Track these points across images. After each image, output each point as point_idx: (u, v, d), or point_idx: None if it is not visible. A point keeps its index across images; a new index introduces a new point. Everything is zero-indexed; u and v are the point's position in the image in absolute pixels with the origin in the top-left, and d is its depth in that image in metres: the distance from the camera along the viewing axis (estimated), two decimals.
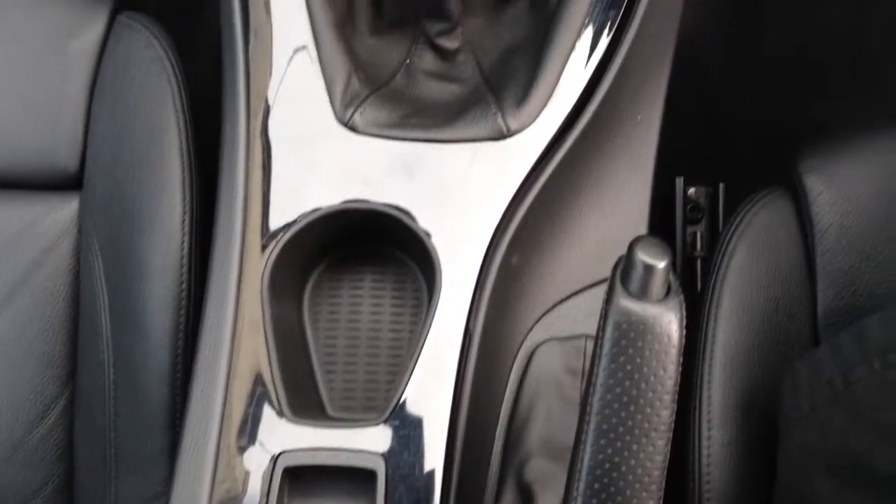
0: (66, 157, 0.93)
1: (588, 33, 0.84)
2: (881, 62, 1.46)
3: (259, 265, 0.79)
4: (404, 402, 0.75)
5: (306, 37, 0.83)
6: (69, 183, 0.93)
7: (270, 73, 0.84)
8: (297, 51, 0.84)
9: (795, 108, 1.42)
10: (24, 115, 0.94)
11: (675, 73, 0.96)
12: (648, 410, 0.55)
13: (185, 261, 0.87)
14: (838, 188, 0.86)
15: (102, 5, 0.96)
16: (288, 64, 0.84)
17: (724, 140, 1.39)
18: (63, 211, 0.92)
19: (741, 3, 1.47)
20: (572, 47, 0.83)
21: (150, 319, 0.86)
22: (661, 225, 1.30)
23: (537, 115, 0.82)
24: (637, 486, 0.56)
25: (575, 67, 0.84)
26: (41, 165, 0.93)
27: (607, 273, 0.57)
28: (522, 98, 0.82)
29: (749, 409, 0.82)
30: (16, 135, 0.93)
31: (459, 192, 0.81)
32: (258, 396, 0.75)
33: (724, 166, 1.36)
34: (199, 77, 0.95)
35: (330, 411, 0.80)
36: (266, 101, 0.84)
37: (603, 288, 0.57)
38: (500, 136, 0.81)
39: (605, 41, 0.85)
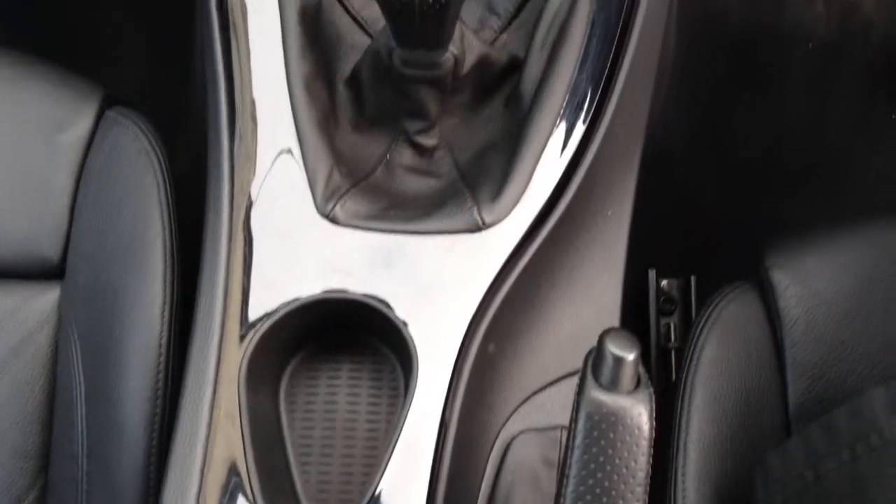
0: (49, 246, 0.94)
1: (559, 133, 0.88)
2: (843, 161, 1.52)
3: (237, 355, 0.80)
4: (379, 494, 0.75)
5: (290, 133, 0.86)
6: (51, 272, 0.94)
7: (254, 169, 0.87)
8: (280, 146, 0.87)
9: (762, 204, 1.47)
10: (9, 205, 0.95)
11: (644, 169, 0.99)
12: (620, 502, 0.56)
13: (163, 351, 0.88)
14: (804, 283, 0.89)
15: (92, 99, 0.99)
16: (271, 159, 0.86)
17: (694, 234, 1.44)
18: (44, 300, 0.93)
19: (706, 103, 1.54)
20: (544, 146, 0.87)
21: (126, 411, 0.86)
22: (634, 316, 1.33)
23: (511, 210, 0.85)
24: None
25: (547, 165, 0.87)
26: (24, 254, 0.94)
27: (581, 363, 0.58)
28: (497, 193, 0.85)
29: (723, 500, 0.83)
30: (0, 224, 0.95)
31: (437, 282, 0.83)
32: (232, 487, 0.75)
33: (695, 259, 1.39)
34: (184, 169, 0.97)
35: (304, 503, 0.79)
36: (249, 196, 0.86)
37: (577, 379, 0.59)
38: (476, 228, 0.84)
39: (575, 140, 0.89)
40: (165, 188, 0.93)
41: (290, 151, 0.86)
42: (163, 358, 0.88)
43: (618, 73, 0.92)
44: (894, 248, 0.93)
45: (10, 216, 0.95)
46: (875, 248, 0.93)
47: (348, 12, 0.94)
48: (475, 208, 0.84)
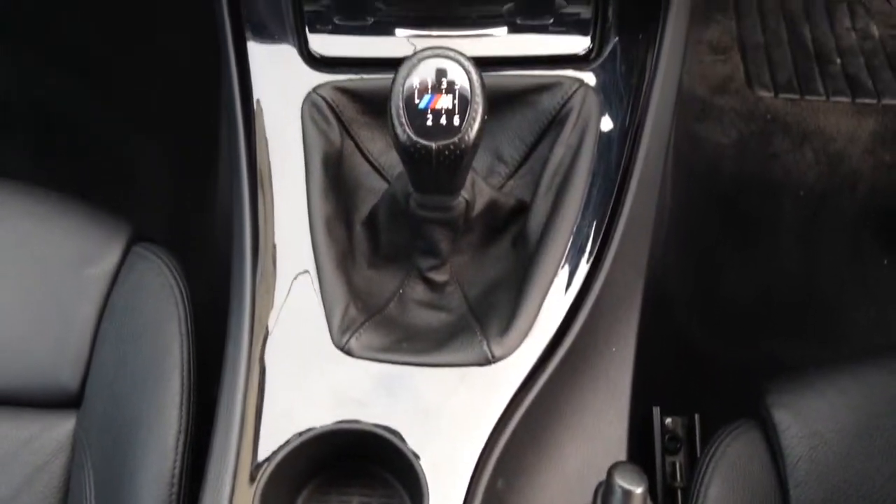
0: (69, 376, 0.97)
1: (564, 272, 0.93)
2: (836, 307, 1.57)
3: (250, 488, 0.81)
4: None
5: (310, 269, 0.91)
6: (69, 401, 0.96)
7: (273, 302, 0.91)
8: (300, 282, 0.91)
9: (760, 345, 1.50)
10: (33, 335, 0.99)
11: (645, 308, 1.04)
12: None
13: (175, 482, 0.89)
14: (805, 422, 0.91)
15: (120, 236, 1.04)
16: (291, 293, 0.91)
17: (696, 372, 1.46)
18: (60, 429, 0.95)
19: (702, 248, 1.60)
20: (550, 284, 0.91)
21: None
22: (640, 452, 1.33)
23: (519, 344, 0.88)
24: None
25: (553, 302, 0.92)
26: (44, 384, 0.97)
27: (589, 498, 0.60)
28: (506, 328, 0.88)
29: None
30: (23, 354, 0.98)
31: (447, 415, 0.85)
32: None
33: (698, 397, 1.41)
34: (204, 300, 1.01)
35: None
36: (267, 327, 0.90)
37: None
38: (486, 361, 0.87)
39: (579, 280, 0.93)
40: (186, 321, 0.97)
41: (309, 286, 0.91)
42: (175, 489, 0.88)
43: (618, 219, 0.98)
44: (892, 390, 0.95)
45: (33, 346, 0.98)
46: (873, 390, 0.96)
47: (367, 159, 1.01)
48: (484, 342, 0.88)
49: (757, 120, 1.77)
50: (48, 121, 1.70)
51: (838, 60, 1.88)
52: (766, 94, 1.81)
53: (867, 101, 1.80)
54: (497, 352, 0.87)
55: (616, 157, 0.99)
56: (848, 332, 1.53)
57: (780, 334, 1.52)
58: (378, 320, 0.91)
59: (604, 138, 1.00)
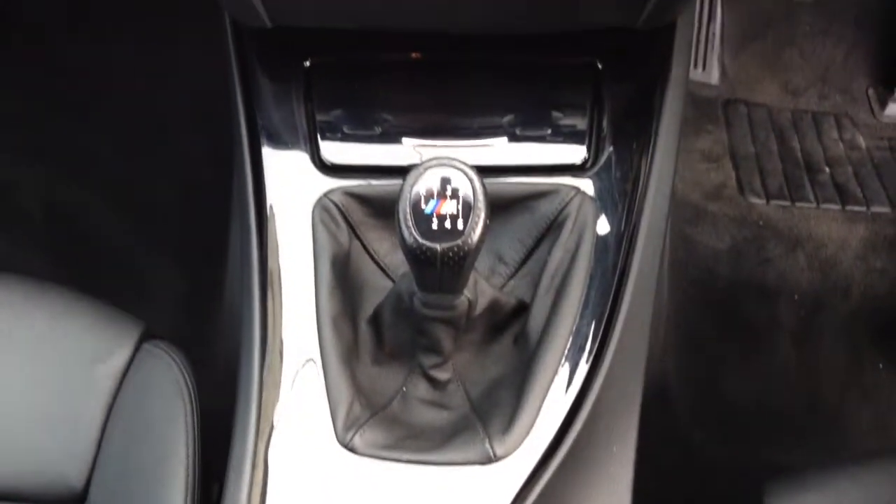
0: (75, 474, 0.97)
1: (564, 371, 0.95)
2: (835, 411, 1.58)
3: None
4: None
5: (315, 366, 0.94)
6: (74, 498, 0.96)
7: (279, 397, 0.93)
8: (306, 377, 0.93)
9: (759, 447, 1.51)
10: (41, 432, 1.00)
11: (645, 410, 1.05)
12: None
13: None
14: None
15: (131, 334, 1.06)
16: (297, 389, 0.93)
17: (696, 473, 1.46)
18: None
19: (700, 351, 1.62)
20: (550, 383, 0.94)
21: None
22: None
23: (521, 443, 0.90)
24: None
25: (554, 401, 0.93)
26: (50, 481, 0.97)
27: None
28: (507, 426, 0.90)
29: None
30: (31, 451, 0.98)
31: None
32: None
33: (698, 498, 1.40)
34: (213, 396, 1.03)
35: None
36: (272, 423, 0.91)
37: None
38: (488, 460, 0.88)
39: (579, 379, 0.95)
40: (193, 418, 0.98)
41: (314, 382, 0.93)
42: None
43: (616, 320, 1.01)
44: (890, 493, 0.96)
45: (40, 443, 0.99)
46: (872, 492, 0.96)
47: (374, 260, 1.05)
48: (487, 441, 0.89)
49: (750, 226, 1.83)
50: (66, 227, 1.75)
51: (827, 170, 1.95)
52: (757, 201, 1.87)
53: (857, 208, 1.86)
54: (499, 451, 0.89)
55: (612, 259, 1.03)
56: (847, 436, 1.53)
57: (780, 437, 1.53)
58: (381, 418, 0.93)
59: (600, 242, 1.04)
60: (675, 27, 1.14)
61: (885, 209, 1.86)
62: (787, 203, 1.87)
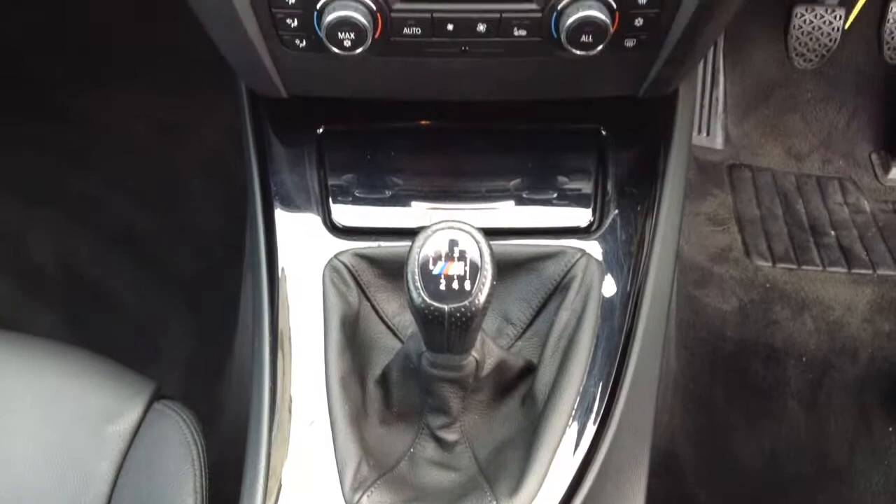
0: None
1: (572, 432, 0.96)
2: (844, 474, 1.57)
3: None
4: None
5: (324, 425, 0.94)
6: None
7: (288, 456, 0.93)
8: (315, 436, 0.94)
9: None
10: (52, 490, 1.00)
11: (653, 472, 1.05)
12: None
13: None
14: None
15: (142, 394, 1.08)
16: (305, 449, 0.93)
17: None
18: None
19: (708, 412, 1.62)
20: (558, 444, 0.94)
21: None
22: None
23: None
24: None
25: (561, 463, 0.94)
26: None
27: None
28: (515, 488, 0.90)
29: None
30: None
31: None
32: None
33: None
34: (222, 453, 1.03)
35: None
36: (281, 482, 0.92)
37: None
38: None
39: (587, 440, 0.96)
40: (201, 477, 0.99)
41: (323, 441, 0.94)
42: None
43: (623, 381, 1.02)
44: None
45: (50, 499, 1.00)
46: None
47: (383, 320, 1.07)
48: (494, 502, 0.89)
49: (756, 288, 1.84)
50: (80, 284, 1.78)
51: (832, 233, 1.97)
52: (764, 264, 1.89)
53: (863, 271, 1.87)
54: None
55: (619, 320, 1.05)
56: (856, 499, 1.52)
57: (788, 500, 1.51)
58: (389, 479, 0.93)
59: (606, 303, 1.05)
60: (677, 95, 1.17)
61: (891, 272, 1.87)
62: (794, 266, 1.89)
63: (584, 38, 0.92)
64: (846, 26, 1.87)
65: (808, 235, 1.96)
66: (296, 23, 0.94)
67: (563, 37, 0.92)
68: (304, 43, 0.96)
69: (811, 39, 1.90)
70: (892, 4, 1.90)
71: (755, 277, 1.86)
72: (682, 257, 1.83)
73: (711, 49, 2.07)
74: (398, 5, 0.93)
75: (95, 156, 1.94)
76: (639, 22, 0.95)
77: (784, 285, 1.85)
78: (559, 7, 0.92)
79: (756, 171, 2.08)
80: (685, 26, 0.96)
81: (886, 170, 2.09)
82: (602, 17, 0.91)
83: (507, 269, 1.05)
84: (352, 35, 0.91)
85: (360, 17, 0.90)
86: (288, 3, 0.92)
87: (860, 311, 1.80)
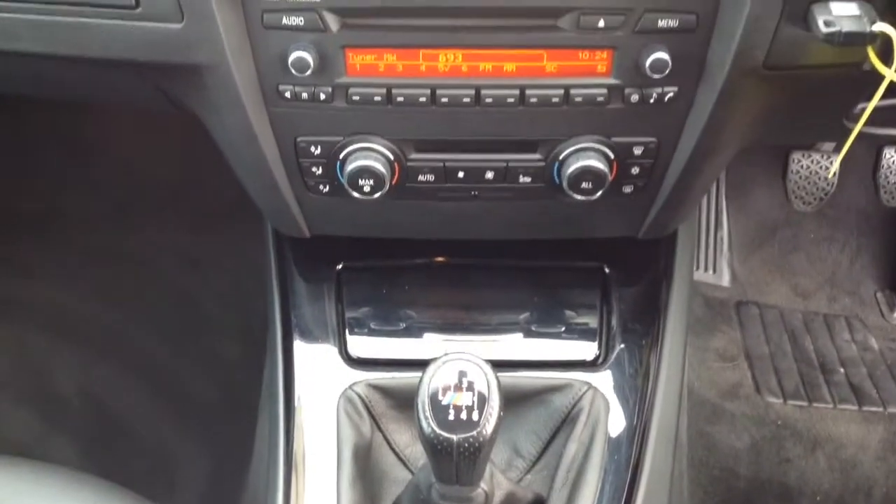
0: None
1: None
2: None
3: None
4: None
5: None
6: None
7: None
8: None
9: None
10: None
11: None
12: None
13: None
14: None
15: None
16: None
17: None
18: None
19: None
20: None
21: None
22: None
23: None
24: None
25: None
26: None
27: None
28: None
29: None
30: None
31: None
32: None
33: None
34: None
35: None
36: None
37: None
38: None
39: None
40: None
41: None
42: None
43: None
44: None
45: None
46: None
47: (394, 451, 1.09)
48: None
49: (768, 425, 1.84)
50: (101, 415, 1.81)
51: (842, 370, 1.98)
52: (775, 401, 1.90)
53: (873, 409, 1.88)
54: None
55: (626, 454, 1.07)
56: None
57: None
58: None
59: (613, 437, 1.08)
60: (676, 236, 1.24)
61: None
62: (805, 403, 1.89)
63: (584, 185, 1.00)
64: (830, 175, 1.96)
65: (817, 372, 1.97)
66: (320, 171, 1.03)
67: (564, 183, 1.00)
68: (328, 188, 1.05)
69: (809, 183, 1.99)
70: (885, 150, 2.00)
71: (766, 414, 1.87)
72: (693, 393, 1.85)
73: (714, 191, 2.16)
74: (413, 155, 1.01)
75: (119, 288, 2.01)
76: (635, 170, 1.03)
77: (795, 422, 1.85)
78: (561, 157, 1.00)
79: (763, 308, 2.12)
80: (679, 175, 1.03)
81: (892, 308, 2.13)
82: (601, 166, 0.99)
83: (515, 401, 1.09)
84: (371, 182, 0.99)
85: (378, 166, 0.98)
86: (314, 153, 1.01)
87: (873, 449, 1.79)
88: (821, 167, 1.96)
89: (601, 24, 0.90)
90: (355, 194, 1.01)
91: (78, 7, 0.90)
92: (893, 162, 2.01)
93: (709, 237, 2.18)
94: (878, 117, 0.98)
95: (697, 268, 2.10)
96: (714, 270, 2.18)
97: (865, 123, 0.98)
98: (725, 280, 2.17)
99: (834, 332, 2.08)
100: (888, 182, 1.98)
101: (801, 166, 1.98)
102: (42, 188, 2.15)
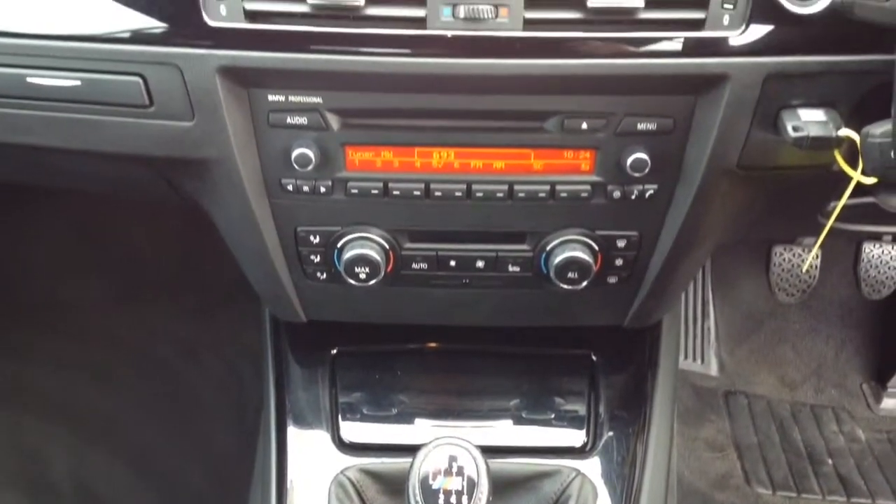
0: None
1: None
2: None
3: None
4: None
5: None
6: None
7: None
8: None
9: None
10: None
11: None
12: None
13: None
14: None
15: None
16: None
17: None
18: None
19: None
20: None
21: None
22: None
23: None
24: None
25: None
26: None
27: None
28: None
29: None
30: None
31: None
32: None
33: None
34: None
35: None
36: None
37: None
38: None
39: None
40: None
41: None
42: None
43: None
44: None
45: None
46: None
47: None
48: None
49: None
50: (88, 497, 1.80)
51: (830, 461, 2.00)
52: (764, 492, 1.90)
53: (862, 500, 1.88)
54: None
55: None
56: None
57: None
58: None
59: None
60: (661, 326, 1.28)
61: (890, 502, 1.88)
62: (794, 494, 1.90)
63: (570, 275, 1.04)
64: (804, 270, 2.02)
65: (805, 463, 1.98)
66: (318, 259, 1.07)
67: (551, 273, 1.05)
68: (325, 275, 1.09)
69: (791, 276, 2.04)
70: (864, 245, 2.07)
71: None
72: (684, 483, 1.85)
73: (700, 282, 2.21)
74: (408, 244, 1.06)
75: (115, 373, 2.03)
76: (619, 262, 1.07)
77: None
78: (548, 248, 1.05)
79: (752, 399, 2.15)
80: (661, 267, 1.08)
81: (878, 400, 2.16)
82: (586, 257, 1.04)
83: (504, 486, 1.11)
84: (367, 269, 1.04)
85: (374, 255, 1.03)
86: (313, 242, 1.06)
87: None
88: (802, 260, 2.02)
89: (584, 126, 0.96)
90: (352, 281, 1.05)
91: (94, 105, 0.95)
92: (873, 256, 2.08)
93: (696, 327, 2.22)
94: (854, 214, 1.03)
95: (686, 357, 2.13)
96: (702, 360, 2.21)
97: (843, 220, 1.04)
98: (714, 370, 2.20)
99: (821, 423, 2.10)
100: (868, 276, 2.03)
101: (784, 259, 2.03)
102: (42, 274, 2.18)
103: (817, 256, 2.03)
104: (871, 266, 2.08)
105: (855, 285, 2.06)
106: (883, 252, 2.07)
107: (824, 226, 1.07)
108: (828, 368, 2.20)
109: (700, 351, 2.21)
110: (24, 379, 2.01)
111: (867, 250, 2.06)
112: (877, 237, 1.98)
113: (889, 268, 2.07)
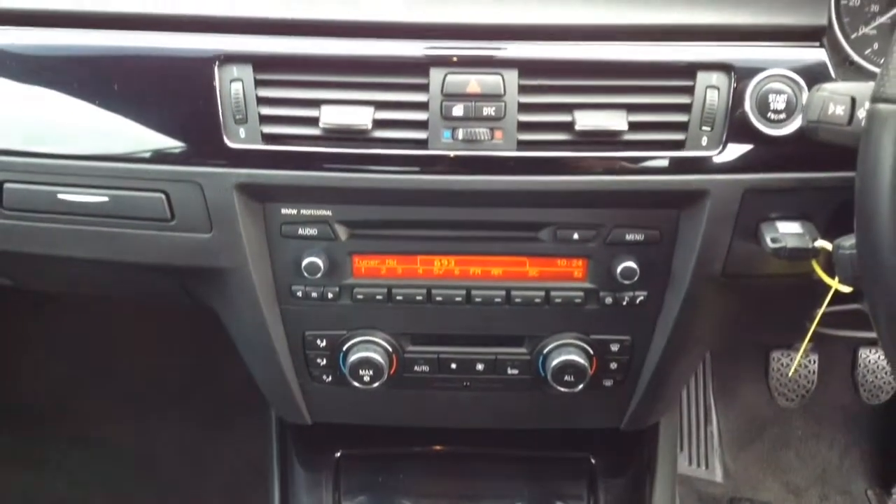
0: None
1: None
2: None
3: None
4: None
5: None
6: None
7: None
8: None
9: None
10: None
11: None
12: None
13: None
14: None
15: None
16: None
17: None
18: None
19: None
20: None
21: None
22: None
23: None
24: None
25: None
26: None
27: None
28: None
29: None
30: None
31: None
32: None
33: None
34: None
35: None
36: None
37: None
38: None
39: None
40: None
41: None
42: None
43: None
44: None
45: None
46: None
47: None
48: None
49: None
50: None
51: None
52: None
53: None
54: None
55: None
56: None
57: None
58: None
59: None
60: (659, 427, 1.31)
61: None
62: None
63: (567, 378, 1.09)
64: (791, 374, 2.04)
65: None
66: (325, 362, 1.12)
67: (548, 376, 1.09)
68: (330, 378, 1.14)
69: (790, 381, 2.07)
70: (861, 350, 2.10)
71: None
72: None
73: (702, 387, 2.23)
74: (410, 347, 1.11)
75: (122, 482, 2.03)
76: (613, 365, 1.12)
77: None
78: (545, 351, 1.10)
79: None
80: (654, 370, 1.13)
81: None
82: (581, 361, 1.08)
83: None
84: (371, 372, 1.09)
85: (378, 358, 1.08)
86: (319, 346, 1.11)
87: None
88: (800, 365, 2.05)
89: (575, 236, 1.03)
90: (356, 384, 1.09)
91: (120, 219, 1.02)
92: (870, 362, 2.11)
93: (699, 432, 2.22)
94: (848, 320, 1.07)
95: (690, 463, 2.13)
96: (706, 466, 2.20)
97: (837, 326, 1.08)
98: (718, 476, 2.19)
99: None
100: (866, 381, 2.06)
101: (781, 364, 2.06)
102: (49, 380, 2.21)
103: (813, 361, 2.05)
104: (868, 371, 2.11)
105: (854, 391, 2.08)
106: (879, 357, 2.10)
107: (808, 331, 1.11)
108: (832, 474, 2.20)
109: (704, 456, 2.20)
110: (29, 485, 2.01)
111: (863, 356, 2.09)
112: (873, 343, 2.01)
113: (886, 373, 2.10)
